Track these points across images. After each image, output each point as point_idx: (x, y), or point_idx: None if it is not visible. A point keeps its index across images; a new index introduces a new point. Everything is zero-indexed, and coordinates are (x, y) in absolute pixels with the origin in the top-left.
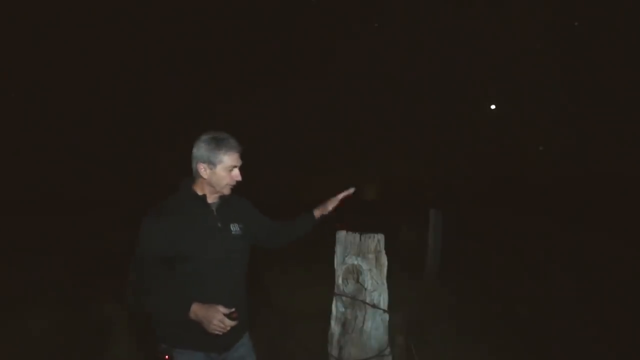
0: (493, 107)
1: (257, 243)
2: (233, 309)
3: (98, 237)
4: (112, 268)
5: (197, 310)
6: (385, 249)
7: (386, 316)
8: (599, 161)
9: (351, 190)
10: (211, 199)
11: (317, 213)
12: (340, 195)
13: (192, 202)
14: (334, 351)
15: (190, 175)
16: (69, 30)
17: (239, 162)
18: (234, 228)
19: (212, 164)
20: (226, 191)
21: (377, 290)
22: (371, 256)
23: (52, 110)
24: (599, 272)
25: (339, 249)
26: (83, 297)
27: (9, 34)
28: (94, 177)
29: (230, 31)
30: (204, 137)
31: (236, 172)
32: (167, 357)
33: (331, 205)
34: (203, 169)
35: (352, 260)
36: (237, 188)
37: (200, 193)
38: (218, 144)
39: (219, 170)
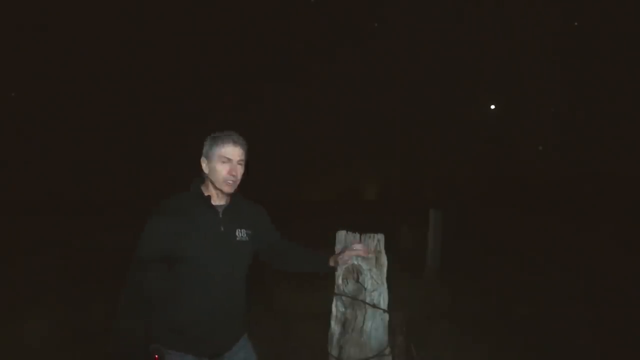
0: (493, 107)
1: (260, 255)
2: None
3: (98, 237)
4: (112, 268)
5: None
6: (385, 249)
7: (386, 316)
8: (598, 161)
9: (371, 255)
10: (218, 200)
11: (332, 262)
12: (359, 248)
13: (196, 202)
14: (334, 351)
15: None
16: (73, 32)
17: (235, 156)
18: (240, 233)
19: (209, 157)
20: (225, 188)
21: (377, 290)
22: (371, 256)
23: (54, 111)
24: (598, 272)
25: (339, 249)
26: (83, 297)
27: (12, 35)
28: (95, 178)
29: (231, 34)
30: (210, 135)
31: (232, 166)
32: (156, 356)
33: (343, 261)
34: (204, 165)
35: (352, 260)
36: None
37: (207, 194)
38: (216, 139)
39: (214, 163)
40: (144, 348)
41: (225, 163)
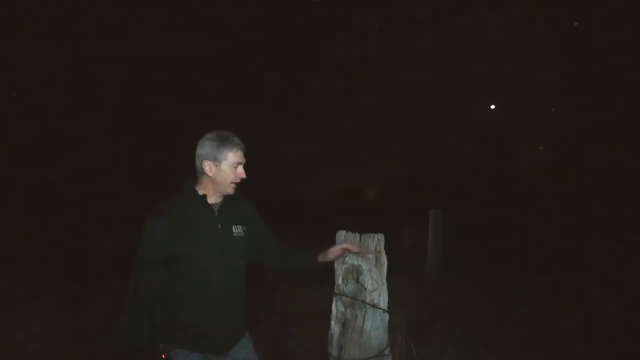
0: (493, 107)
1: (256, 257)
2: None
3: (98, 237)
4: (112, 268)
5: None
6: (385, 249)
7: (386, 316)
8: (598, 161)
9: (356, 248)
10: (213, 199)
11: (321, 258)
12: (345, 246)
13: (193, 202)
14: (334, 351)
15: (194, 175)
16: (72, 29)
17: (243, 160)
18: (237, 230)
19: (217, 160)
20: (230, 190)
21: (377, 290)
22: (371, 256)
23: (53, 110)
24: (599, 272)
25: None
26: (83, 297)
27: (12, 33)
28: (95, 178)
29: (233, 34)
30: (209, 135)
31: (240, 170)
32: (163, 356)
33: (334, 253)
34: (208, 167)
35: (352, 260)
36: (242, 188)
37: (201, 193)
38: (223, 141)
39: (224, 167)
40: (150, 347)
41: (236, 168)
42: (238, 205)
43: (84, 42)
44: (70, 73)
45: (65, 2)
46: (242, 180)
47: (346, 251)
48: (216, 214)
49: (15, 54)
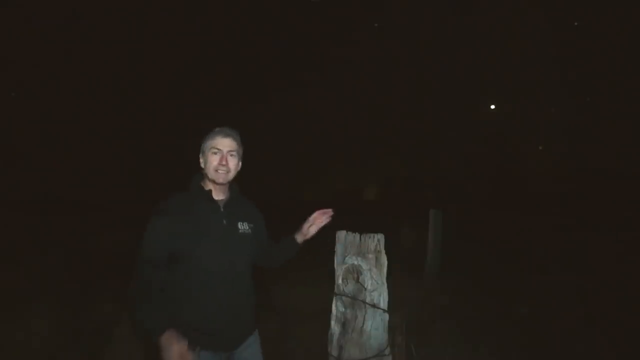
0: (493, 107)
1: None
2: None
3: (98, 237)
4: (112, 268)
5: (169, 337)
6: (385, 249)
7: (386, 316)
8: (598, 161)
9: (330, 211)
10: (218, 195)
11: (300, 238)
12: (316, 214)
13: (199, 198)
14: (334, 351)
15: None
16: (72, 30)
17: (225, 146)
18: (243, 227)
19: (203, 151)
20: (217, 178)
21: (377, 290)
22: (371, 256)
23: (53, 110)
24: (599, 272)
25: (339, 249)
26: (83, 297)
27: (12, 32)
28: (95, 178)
29: (232, 34)
30: None
31: (223, 155)
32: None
33: (310, 227)
34: (201, 161)
35: (352, 260)
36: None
37: (207, 189)
38: (209, 133)
39: (207, 155)
40: (168, 327)
41: (216, 154)
42: (244, 203)
43: (84, 42)
44: (70, 73)
45: (65, 2)
46: (228, 168)
47: (317, 220)
48: (222, 209)
49: (15, 54)
